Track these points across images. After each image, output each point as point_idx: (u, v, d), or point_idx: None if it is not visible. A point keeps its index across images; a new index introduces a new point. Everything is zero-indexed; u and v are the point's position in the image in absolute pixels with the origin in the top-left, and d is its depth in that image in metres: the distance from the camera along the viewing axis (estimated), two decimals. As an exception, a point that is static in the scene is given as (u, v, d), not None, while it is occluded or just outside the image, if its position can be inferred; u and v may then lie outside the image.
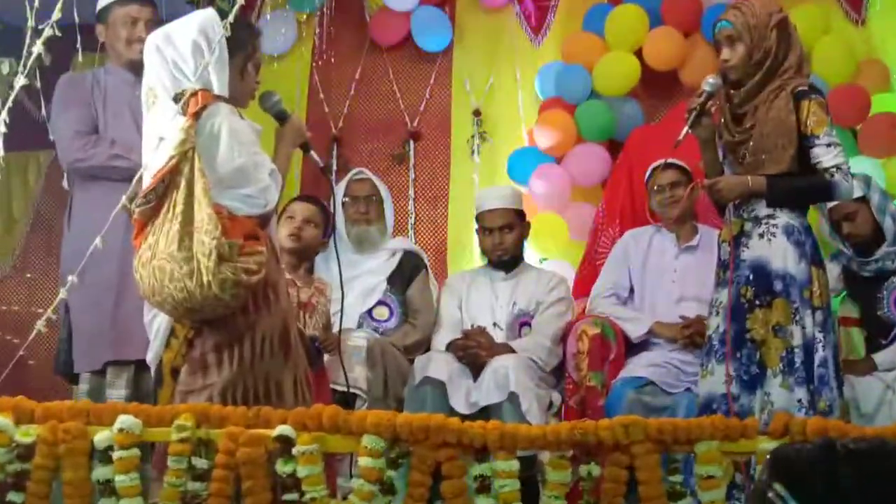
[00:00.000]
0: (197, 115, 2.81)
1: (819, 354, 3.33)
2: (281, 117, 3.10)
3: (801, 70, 3.46)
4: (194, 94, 2.82)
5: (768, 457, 1.54)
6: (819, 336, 3.34)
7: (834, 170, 3.34)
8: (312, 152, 3.18)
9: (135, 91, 3.24)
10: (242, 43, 2.96)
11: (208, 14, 2.92)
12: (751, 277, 3.40)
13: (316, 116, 5.24)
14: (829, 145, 3.36)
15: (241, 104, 3.00)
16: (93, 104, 3.76)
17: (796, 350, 3.32)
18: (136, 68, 3.31)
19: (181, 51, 2.87)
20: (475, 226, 4.53)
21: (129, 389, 3.57)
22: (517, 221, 4.42)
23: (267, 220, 2.97)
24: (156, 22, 3.64)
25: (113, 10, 3.78)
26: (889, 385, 3.97)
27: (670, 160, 4.24)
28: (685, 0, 5.00)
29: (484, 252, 4.50)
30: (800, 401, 3.29)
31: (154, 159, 2.83)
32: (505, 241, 4.39)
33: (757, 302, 3.39)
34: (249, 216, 2.88)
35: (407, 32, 5.25)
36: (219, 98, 2.88)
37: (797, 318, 3.34)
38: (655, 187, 4.36)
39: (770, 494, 1.45)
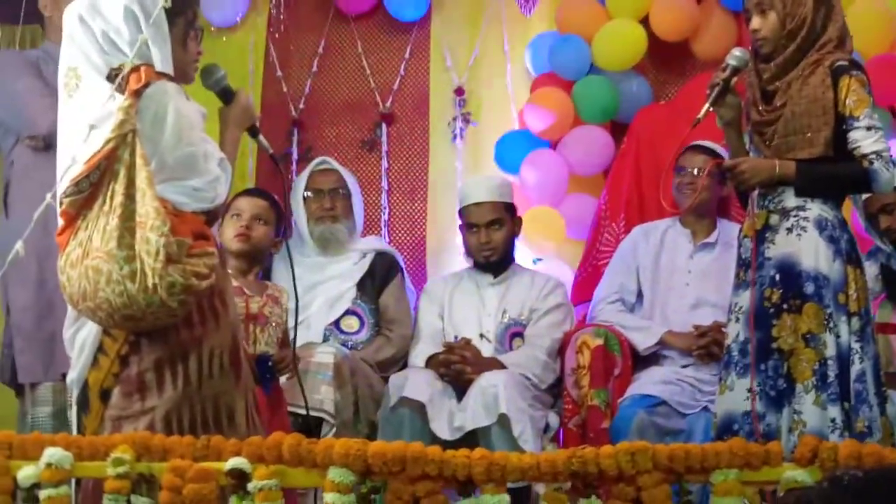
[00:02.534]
0: (138, 94, 2.79)
1: (856, 367, 3.35)
2: (226, 96, 3.07)
3: (843, 44, 3.48)
4: (135, 69, 2.79)
5: None
6: (856, 346, 3.35)
7: (874, 156, 3.36)
8: (261, 137, 3.16)
9: None
10: (181, 6, 2.91)
11: None
12: (777, 278, 3.41)
13: (273, 97, 5.23)
14: (869, 128, 3.37)
15: (186, 81, 2.98)
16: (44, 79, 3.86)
17: (829, 362, 3.33)
18: None
19: (112, 21, 2.83)
20: (458, 222, 4.54)
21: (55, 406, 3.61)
22: (507, 217, 4.43)
23: (214, 217, 2.96)
24: None
25: None
26: (934, 401, 4.00)
27: (706, 143, 4.25)
28: (698, -41, 5.02)
29: (469, 252, 4.50)
30: (833, 420, 3.30)
31: (85, 150, 2.79)
32: (493, 240, 4.40)
33: (784, 306, 3.39)
34: (196, 212, 2.86)
35: (378, -1, 5.25)
36: (162, 75, 2.85)
37: (831, 325, 3.35)
38: (681, 168, 4.31)
39: None
